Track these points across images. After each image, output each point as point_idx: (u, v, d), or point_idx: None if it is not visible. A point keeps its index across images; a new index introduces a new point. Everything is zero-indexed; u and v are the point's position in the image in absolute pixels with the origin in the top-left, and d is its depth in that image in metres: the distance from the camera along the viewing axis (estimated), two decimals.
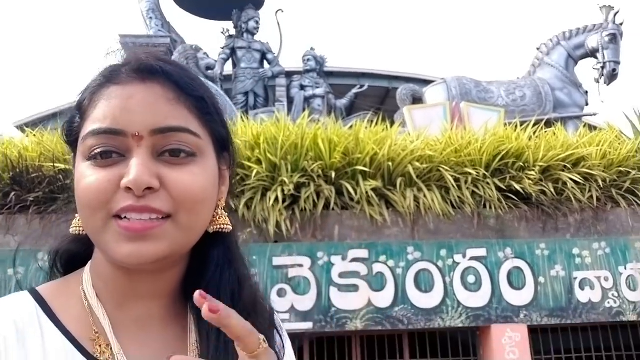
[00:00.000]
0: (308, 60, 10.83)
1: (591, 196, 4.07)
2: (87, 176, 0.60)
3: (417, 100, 8.85)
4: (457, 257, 3.67)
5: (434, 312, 3.54)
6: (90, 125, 0.62)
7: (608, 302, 3.60)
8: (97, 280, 0.67)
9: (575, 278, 3.66)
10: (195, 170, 0.62)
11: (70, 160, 0.69)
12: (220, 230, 0.69)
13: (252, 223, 3.64)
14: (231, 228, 0.71)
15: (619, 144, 4.40)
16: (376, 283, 3.57)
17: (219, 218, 0.69)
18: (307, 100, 10.36)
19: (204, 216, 0.65)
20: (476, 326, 3.57)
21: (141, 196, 0.58)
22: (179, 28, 10.81)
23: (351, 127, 4.42)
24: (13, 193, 3.57)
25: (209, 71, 10.18)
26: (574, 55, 8.66)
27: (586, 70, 8.98)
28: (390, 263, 3.61)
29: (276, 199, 3.66)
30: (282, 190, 3.71)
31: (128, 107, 0.61)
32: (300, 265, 3.50)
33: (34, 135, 4.17)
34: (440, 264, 3.66)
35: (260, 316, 0.71)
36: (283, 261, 3.49)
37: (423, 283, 3.61)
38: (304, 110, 10.32)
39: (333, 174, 3.83)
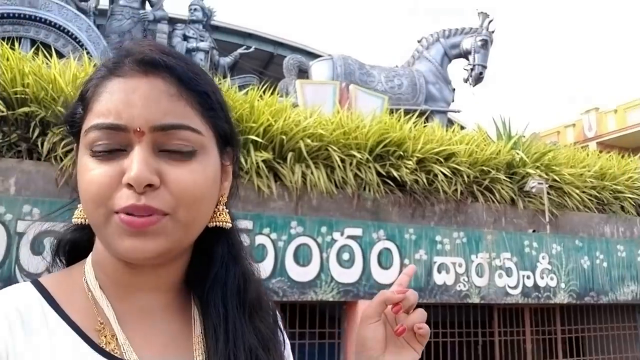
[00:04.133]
0: (195, 10, 10.30)
1: (456, 189, 4.52)
2: (90, 170, 0.61)
3: (302, 72, 8.93)
4: (336, 235, 3.85)
5: (309, 286, 3.70)
6: (93, 119, 0.62)
7: (459, 286, 4.07)
8: (99, 272, 0.67)
9: (435, 262, 4.06)
10: (195, 167, 0.63)
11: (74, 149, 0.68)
12: (220, 226, 0.70)
13: None
14: (231, 225, 0.72)
15: (485, 145, 4.91)
16: (257, 254, 3.61)
17: (219, 215, 0.70)
18: (189, 52, 9.89)
19: (203, 213, 0.66)
20: (345, 300, 3.81)
21: (141, 192, 0.59)
22: None
23: (246, 92, 4.35)
24: None
25: (82, 2, 9.20)
26: (450, 53, 9.37)
27: (456, 70, 9.79)
28: (273, 236, 3.67)
29: None
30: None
31: (130, 102, 0.61)
32: None
33: None
34: (319, 239, 3.81)
35: (265, 312, 0.75)
36: None
37: (302, 257, 3.74)
38: None
39: None
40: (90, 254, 0.69)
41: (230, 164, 0.73)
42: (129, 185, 0.59)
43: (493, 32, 9.32)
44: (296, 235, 3.77)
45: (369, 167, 4.35)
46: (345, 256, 3.87)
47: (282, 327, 0.80)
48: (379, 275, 3.90)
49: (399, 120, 4.82)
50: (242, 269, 0.73)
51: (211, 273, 0.71)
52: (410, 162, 4.45)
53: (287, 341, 0.82)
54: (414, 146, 4.58)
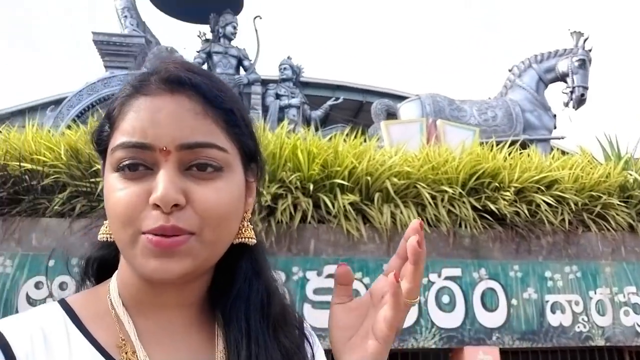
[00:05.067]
0: (284, 69, 10.80)
1: (563, 219, 4.13)
2: (117, 189, 0.62)
3: (391, 115, 8.92)
4: (432, 277, 3.65)
5: (408, 332, 3.50)
6: (119, 137, 0.63)
7: (578, 327, 3.64)
8: (123, 289, 0.68)
9: (547, 301, 3.69)
10: (221, 185, 0.63)
11: (101, 168, 0.69)
12: (245, 242, 0.70)
13: None
14: (255, 241, 0.72)
15: (591, 168, 4.49)
16: None
17: (245, 230, 0.70)
18: (282, 109, 10.32)
19: (229, 231, 0.66)
20: (449, 347, 3.55)
21: (169, 212, 0.59)
22: (154, 28, 10.63)
23: (330, 139, 4.38)
24: None
25: None
26: (545, 78, 8.88)
27: (555, 94, 9.25)
28: (366, 280, 3.56)
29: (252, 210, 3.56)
30: (259, 201, 3.62)
31: (156, 121, 0.61)
32: None
33: (0, 131, 3.97)
34: None
35: (290, 326, 0.74)
36: None
37: None
38: (279, 119, 10.28)
39: (311, 186, 3.77)
40: (116, 271, 0.70)
41: (254, 180, 0.73)
42: (156, 206, 0.59)
43: (590, 50, 8.73)
44: None
45: (463, 202, 4.13)
46: (445, 299, 3.64)
47: (311, 339, 0.78)
48: (484, 318, 3.61)
49: (491, 150, 4.58)
50: (266, 284, 0.73)
51: (234, 288, 0.70)
52: (507, 194, 4.17)
53: (320, 352, 0.79)
54: (510, 176, 4.29)
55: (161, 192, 0.59)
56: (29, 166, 3.51)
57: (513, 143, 5.40)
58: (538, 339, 3.57)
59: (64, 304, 0.67)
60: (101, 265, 0.74)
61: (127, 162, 0.61)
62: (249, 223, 0.72)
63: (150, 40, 10.42)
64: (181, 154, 0.61)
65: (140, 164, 0.61)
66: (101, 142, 0.68)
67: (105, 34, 9.61)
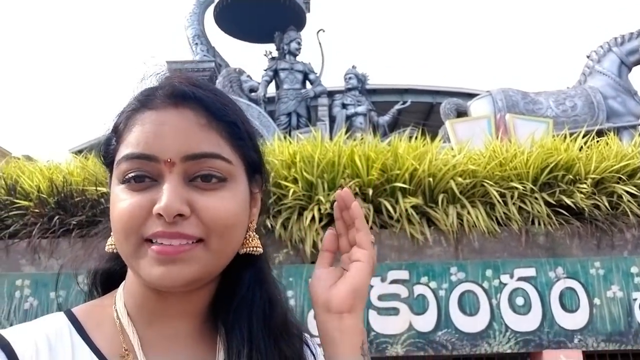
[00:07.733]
0: (350, 78, 10.81)
1: None
2: (121, 200, 0.62)
3: (461, 114, 8.66)
4: (504, 278, 3.48)
5: (480, 337, 3.35)
6: (124, 150, 0.64)
7: None
8: (129, 299, 0.69)
9: (635, 299, 3.38)
10: (225, 195, 0.64)
11: (107, 182, 0.72)
12: (251, 252, 0.70)
13: (289, 243, 3.58)
14: (262, 250, 0.72)
15: None
16: (417, 306, 3.42)
17: (251, 240, 0.71)
18: (349, 118, 10.31)
19: (234, 240, 0.66)
20: (526, 352, 3.35)
21: (172, 222, 0.60)
22: (223, 52, 11.05)
23: (389, 142, 4.32)
24: (57, 217, 3.66)
25: (253, 93, 10.33)
26: (627, 61, 8.25)
27: None
28: (433, 284, 3.46)
29: (312, 218, 3.59)
30: (319, 209, 3.64)
31: (161, 133, 0.62)
32: None
33: (79, 160, 4.29)
34: (485, 285, 3.47)
35: (291, 336, 0.74)
36: None
37: (468, 305, 3.43)
38: (347, 129, 10.31)
39: (370, 191, 3.73)
40: (123, 282, 0.72)
41: (258, 191, 0.73)
42: (159, 215, 0.60)
43: None
44: (458, 282, 3.49)
45: (535, 198, 3.91)
46: (520, 301, 3.45)
47: (314, 349, 0.79)
48: (564, 319, 3.37)
49: (564, 141, 4.30)
50: (268, 293, 0.73)
51: (237, 297, 0.70)
52: (584, 186, 3.89)
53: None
54: (587, 167, 4.01)
55: (165, 202, 0.59)
56: (104, 190, 3.76)
57: (591, 132, 5.05)
58: (627, 340, 3.28)
59: (69, 314, 0.69)
60: (108, 277, 0.75)
61: (132, 174, 0.62)
62: (254, 233, 0.72)
63: (220, 64, 10.85)
64: (186, 165, 0.62)
65: (145, 176, 0.62)
66: (108, 155, 0.69)
67: (179, 62, 10.12)
